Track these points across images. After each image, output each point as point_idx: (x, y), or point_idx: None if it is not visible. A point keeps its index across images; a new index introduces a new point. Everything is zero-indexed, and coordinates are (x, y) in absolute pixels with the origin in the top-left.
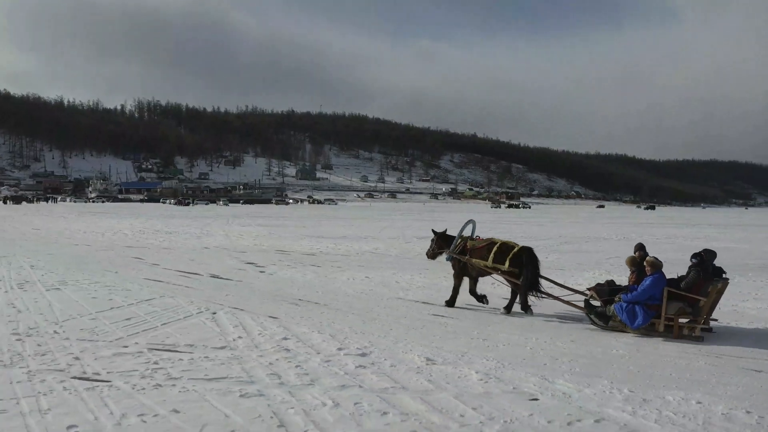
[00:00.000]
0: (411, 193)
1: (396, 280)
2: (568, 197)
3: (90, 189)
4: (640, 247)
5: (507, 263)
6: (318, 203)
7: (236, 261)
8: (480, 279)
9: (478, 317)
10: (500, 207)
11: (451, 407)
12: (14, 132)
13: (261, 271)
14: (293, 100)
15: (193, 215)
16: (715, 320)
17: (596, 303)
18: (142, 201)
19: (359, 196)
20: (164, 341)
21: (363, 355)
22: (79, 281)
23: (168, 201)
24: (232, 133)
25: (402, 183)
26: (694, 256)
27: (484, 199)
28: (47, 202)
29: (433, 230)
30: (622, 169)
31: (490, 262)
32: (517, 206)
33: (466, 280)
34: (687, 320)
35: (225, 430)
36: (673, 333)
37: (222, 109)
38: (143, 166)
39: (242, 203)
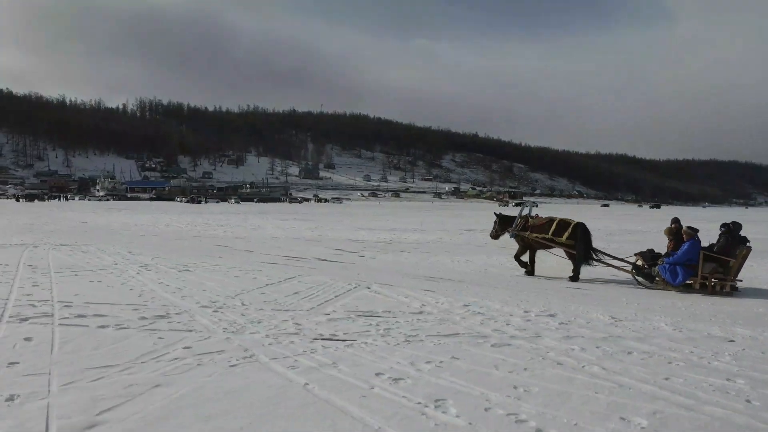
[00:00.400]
0: (414, 192)
1: (492, 263)
2: (569, 197)
3: (98, 188)
4: (676, 220)
5: (565, 236)
6: (324, 202)
7: (323, 248)
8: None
9: (606, 288)
10: (507, 205)
11: (675, 347)
12: (17, 131)
13: (360, 256)
14: (293, 99)
15: (220, 212)
16: (740, 281)
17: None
18: (151, 199)
19: (363, 195)
20: (358, 308)
21: (552, 315)
22: (199, 264)
23: (180, 199)
24: (234, 132)
25: (404, 182)
26: (723, 225)
27: (487, 198)
28: (59, 200)
29: (495, 213)
30: (622, 169)
31: (549, 235)
32: (523, 204)
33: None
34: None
35: (518, 368)
36: (707, 290)
37: (223, 109)
38: (147, 165)
39: (256, 201)
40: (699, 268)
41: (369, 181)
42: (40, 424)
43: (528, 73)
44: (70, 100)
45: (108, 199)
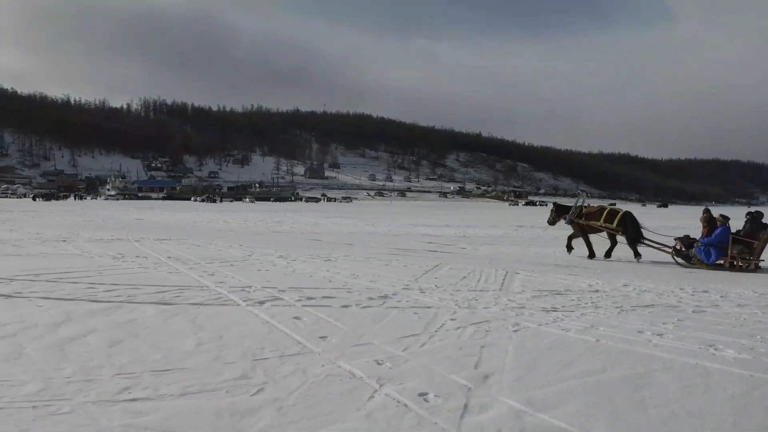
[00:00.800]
0: (419, 191)
1: (581, 253)
2: (574, 196)
3: (108, 187)
4: (707, 210)
5: (615, 223)
6: (333, 201)
7: (414, 242)
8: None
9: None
10: (518, 205)
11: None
12: (22, 131)
13: (461, 248)
14: (294, 99)
15: (249, 210)
16: (763, 260)
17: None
18: (163, 199)
19: (369, 195)
20: (538, 288)
21: (705, 292)
22: (333, 256)
23: (195, 198)
24: (238, 132)
25: (409, 182)
26: (748, 213)
27: (493, 197)
28: (74, 199)
29: (553, 203)
30: (624, 169)
31: (602, 222)
32: (534, 204)
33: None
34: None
35: (741, 322)
36: (735, 268)
37: (227, 109)
38: (152, 165)
39: (273, 200)
40: (729, 250)
41: (374, 180)
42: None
43: (528, 72)
44: (74, 100)
45: (117, 199)
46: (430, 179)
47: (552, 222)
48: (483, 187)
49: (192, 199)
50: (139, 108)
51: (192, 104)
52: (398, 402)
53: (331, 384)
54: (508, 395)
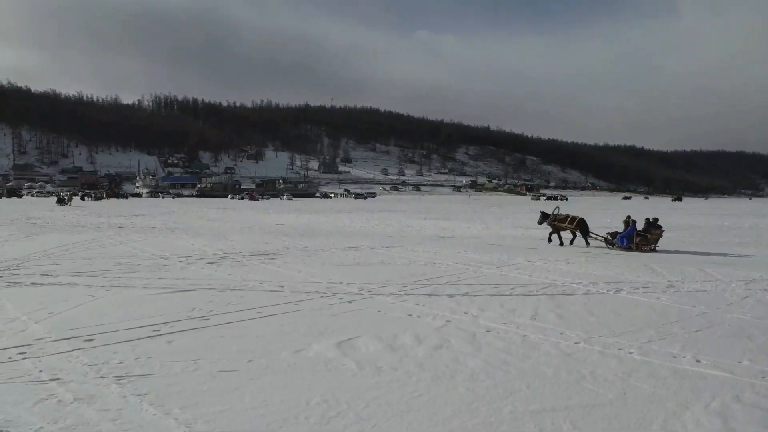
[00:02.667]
0: (432, 185)
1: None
2: (584, 189)
3: (138, 184)
4: (627, 216)
5: (574, 225)
6: (363, 198)
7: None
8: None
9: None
10: (540, 200)
11: None
12: (38, 128)
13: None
14: (302, 93)
15: (317, 210)
16: (658, 246)
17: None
18: (197, 196)
19: (385, 189)
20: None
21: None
22: (533, 257)
23: (233, 196)
24: (250, 127)
25: (421, 176)
26: (646, 219)
27: (505, 191)
28: (117, 198)
29: (541, 211)
30: (631, 161)
31: (566, 224)
32: (555, 198)
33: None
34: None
35: None
36: (638, 250)
37: (238, 104)
38: (169, 161)
39: (321, 197)
40: (633, 239)
41: (387, 174)
42: None
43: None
44: (87, 97)
45: (167, 197)
46: (442, 173)
47: (540, 222)
48: (495, 181)
49: (230, 196)
50: (150, 104)
51: (203, 100)
52: None
53: None
54: None
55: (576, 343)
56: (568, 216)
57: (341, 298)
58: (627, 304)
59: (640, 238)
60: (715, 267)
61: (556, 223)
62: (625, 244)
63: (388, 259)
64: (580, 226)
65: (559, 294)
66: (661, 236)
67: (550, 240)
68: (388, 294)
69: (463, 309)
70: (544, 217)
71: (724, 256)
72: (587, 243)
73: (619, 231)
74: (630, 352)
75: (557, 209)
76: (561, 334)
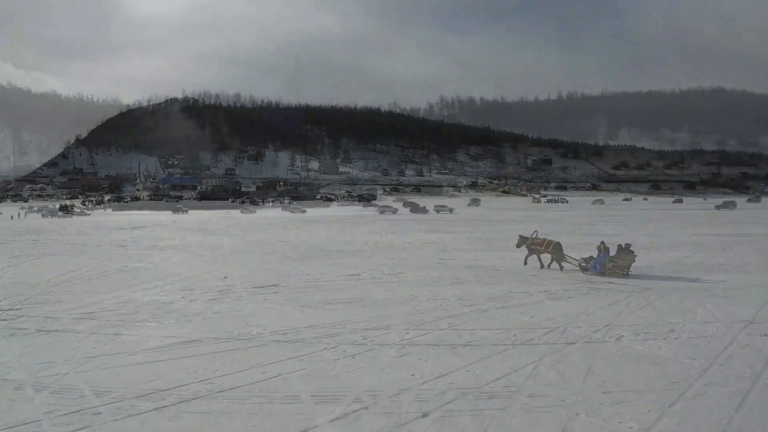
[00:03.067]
0: (431, 186)
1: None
2: (584, 189)
3: (137, 187)
4: (601, 242)
5: (550, 248)
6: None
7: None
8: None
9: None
10: (540, 202)
11: None
12: (38, 130)
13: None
14: (300, 92)
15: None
16: (631, 272)
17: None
18: (198, 199)
19: (385, 190)
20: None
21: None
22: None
23: (234, 200)
24: (249, 127)
25: (422, 176)
26: (619, 244)
27: (506, 192)
28: (118, 202)
29: (519, 235)
30: (630, 159)
31: (543, 248)
32: (555, 201)
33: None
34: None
35: None
36: (610, 275)
37: (238, 104)
38: (169, 162)
39: (349, 202)
40: (606, 265)
41: (387, 175)
42: None
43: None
44: (86, 97)
45: (160, 200)
46: (442, 174)
47: (518, 245)
48: (495, 181)
49: (230, 200)
50: (149, 105)
51: (203, 100)
52: None
53: None
54: None
55: (577, 414)
56: (545, 240)
57: (344, 351)
58: (629, 358)
59: (612, 264)
60: (715, 302)
61: (533, 246)
62: (598, 269)
63: (390, 294)
64: (555, 250)
65: (561, 343)
66: (634, 261)
67: (525, 263)
68: (391, 344)
69: (466, 365)
70: (522, 240)
71: (724, 283)
72: (561, 267)
73: (594, 256)
74: (630, 427)
75: (535, 233)
76: (562, 401)
